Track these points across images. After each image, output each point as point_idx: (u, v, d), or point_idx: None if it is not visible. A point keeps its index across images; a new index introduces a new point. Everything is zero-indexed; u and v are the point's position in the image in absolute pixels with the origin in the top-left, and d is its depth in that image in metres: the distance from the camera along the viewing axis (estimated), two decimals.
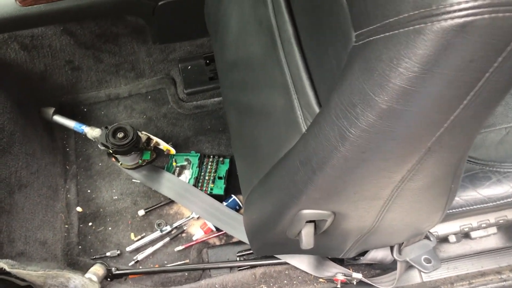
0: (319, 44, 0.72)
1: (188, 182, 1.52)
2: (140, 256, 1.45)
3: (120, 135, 1.42)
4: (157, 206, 1.54)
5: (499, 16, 0.42)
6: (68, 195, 1.56)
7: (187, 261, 1.45)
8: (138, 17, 1.54)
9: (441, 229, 1.16)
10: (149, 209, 1.53)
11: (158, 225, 1.50)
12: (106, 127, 1.44)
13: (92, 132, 1.53)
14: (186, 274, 1.41)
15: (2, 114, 1.41)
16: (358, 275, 1.22)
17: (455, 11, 0.42)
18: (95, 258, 1.45)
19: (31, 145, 1.50)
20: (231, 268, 1.39)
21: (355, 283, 1.24)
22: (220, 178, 1.55)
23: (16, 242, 1.32)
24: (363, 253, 1.15)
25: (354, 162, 0.62)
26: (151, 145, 1.53)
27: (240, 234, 1.41)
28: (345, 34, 0.60)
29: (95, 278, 1.28)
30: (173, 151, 1.55)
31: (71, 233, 1.49)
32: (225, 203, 1.49)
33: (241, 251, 1.41)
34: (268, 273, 1.31)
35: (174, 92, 1.72)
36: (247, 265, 1.35)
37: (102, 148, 1.47)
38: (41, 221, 1.43)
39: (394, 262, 1.16)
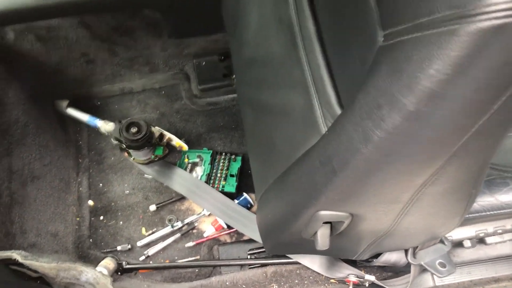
0: (342, 42, 0.71)
1: (200, 179, 1.52)
2: (150, 251, 1.45)
3: (134, 130, 1.42)
4: (169, 201, 1.53)
5: None
6: (80, 188, 1.56)
7: (198, 257, 1.44)
8: (155, 10, 1.53)
9: (456, 233, 1.14)
10: (161, 204, 1.52)
11: (169, 220, 1.50)
12: (120, 122, 1.44)
13: (106, 126, 1.53)
14: (197, 270, 1.41)
15: (17, 106, 1.41)
16: (370, 277, 1.21)
17: (492, 11, 0.41)
18: (105, 251, 1.45)
19: (44, 137, 1.50)
20: (241, 266, 1.38)
21: (367, 285, 1.23)
22: (232, 175, 1.54)
23: (28, 233, 1.33)
24: (377, 255, 1.14)
25: (377, 164, 0.61)
26: (164, 140, 1.52)
27: (251, 232, 1.40)
28: (371, 33, 0.59)
29: (105, 272, 1.27)
30: (185, 147, 1.55)
31: (82, 226, 1.49)
32: (236, 201, 1.48)
33: (252, 249, 1.40)
34: (279, 272, 1.30)
35: (188, 88, 1.72)
36: (258, 264, 1.35)
37: (115, 142, 1.47)
38: (52, 213, 1.43)
39: (407, 265, 1.15)
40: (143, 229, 1.49)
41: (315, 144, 0.74)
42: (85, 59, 1.64)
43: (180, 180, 1.52)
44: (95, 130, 1.63)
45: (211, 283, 1.31)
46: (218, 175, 1.53)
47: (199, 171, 1.55)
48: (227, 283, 1.30)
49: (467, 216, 1.02)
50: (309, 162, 0.74)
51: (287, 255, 1.30)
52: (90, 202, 1.54)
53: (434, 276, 1.23)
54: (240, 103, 1.21)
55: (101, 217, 1.52)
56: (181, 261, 1.43)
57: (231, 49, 1.26)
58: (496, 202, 1.03)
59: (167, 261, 1.44)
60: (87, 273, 1.08)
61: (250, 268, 1.36)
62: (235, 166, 1.55)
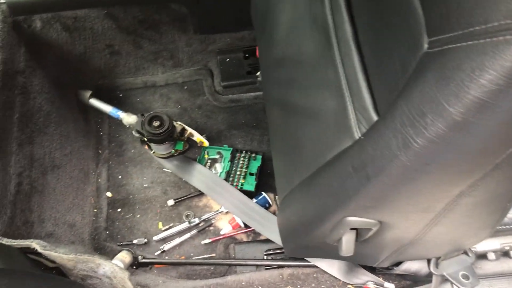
0: (380, 46, 0.70)
1: (219, 176, 1.51)
2: (166, 246, 1.44)
3: (156, 123, 1.41)
4: (187, 197, 1.53)
5: None
6: (99, 180, 1.56)
7: (214, 255, 1.43)
8: (182, 5, 1.53)
9: (480, 245, 1.12)
10: (179, 199, 1.52)
11: (187, 216, 1.49)
12: (142, 115, 1.44)
13: (128, 119, 1.53)
14: (212, 268, 1.40)
15: (40, 94, 1.41)
16: (390, 286, 1.19)
17: None
18: (121, 244, 1.45)
19: (66, 126, 1.50)
20: (257, 266, 1.37)
21: None
22: (251, 174, 1.53)
23: (46, 222, 1.33)
24: (397, 263, 1.12)
25: (414, 172, 0.59)
26: (185, 135, 1.52)
27: (268, 232, 1.39)
28: (414, 38, 0.58)
29: (121, 265, 1.27)
30: (206, 143, 1.54)
31: (99, 218, 1.49)
32: (255, 200, 1.47)
33: (269, 250, 1.39)
34: (295, 274, 1.29)
35: (211, 84, 1.71)
36: (275, 265, 1.33)
37: (136, 135, 1.47)
38: (71, 203, 1.43)
39: (428, 275, 1.13)
40: (160, 224, 1.49)
41: (348, 148, 0.72)
42: (110, 50, 1.64)
43: (199, 176, 1.51)
44: (116, 122, 1.63)
45: (226, 282, 1.29)
46: (238, 173, 1.52)
47: (219, 168, 1.54)
48: (243, 283, 1.29)
49: None
50: (341, 167, 0.72)
51: (305, 258, 1.28)
52: (109, 194, 1.53)
53: (455, 287, 1.21)
54: (266, 102, 1.19)
55: (119, 210, 1.51)
56: (196, 258, 1.42)
57: (259, 47, 1.24)
58: None
59: (183, 257, 1.43)
60: (104, 266, 1.07)
61: (266, 269, 1.34)
62: (255, 165, 1.54)
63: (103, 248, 1.44)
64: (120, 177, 1.57)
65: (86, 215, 1.47)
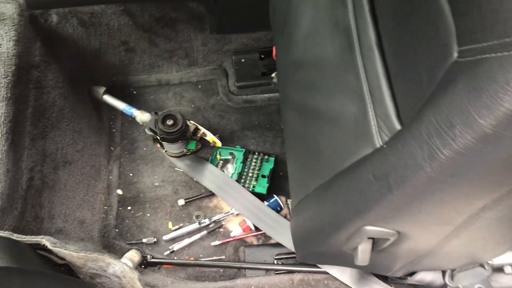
0: (405, 53, 0.68)
1: (231, 177, 1.49)
2: (176, 247, 1.43)
3: (170, 122, 1.40)
4: (198, 197, 1.51)
5: None
6: (110, 177, 1.55)
7: (223, 257, 1.42)
8: (200, 3, 1.52)
9: (497, 258, 1.10)
10: (189, 199, 1.50)
11: (197, 217, 1.48)
12: (156, 113, 1.43)
13: (142, 116, 1.52)
14: (221, 270, 1.39)
15: (54, 89, 1.41)
16: None
17: None
18: (131, 243, 1.44)
19: (79, 122, 1.49)
20: (267, 270, 1.35)
21: None
22: (263, 176, 1.51)
23: (56, 218, 1.32)
24: (411, 273, 1.10)
25: (439, 184, 0.57)
26: (198, 135, 1.51)
27: (279, 236, 1.37)
28: (443, 46, 0.56)
29: (130, 264, 1.26)
30: (219, 143, 1.52)
31: (109, 215, 1.48)
32: (266, 203, 1.45)
33: (280, 254, 1.37)
34: (306, 280, 1.27)
35: (225, 84, 1.70)
36: (285, 270, 1.32)
37: (149, 133, 1.46)
38: (81, 200, 1.42)
39: (442, 286, 1.11)
40: (170, 223, 1.47)
41: (369, 156, 0.70)
42: (125, 47, 1.63)
43: (210, 176, 1.50)
44: (129, 119, 1.62)
45: (236, 285, 1.28)
46: (250, 174, 1.51)
47: (231, 168, 1.53)
48: (252, 287, 1.28)
49: None
50: (361, 175, 0.70)
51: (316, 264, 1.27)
52: (119, 192, 1.53)
53: None
54: (283, 104, 1.18)
55: (129, 208, 1.50)
56: (206, 260, 1.41)
57: (277, 48, 1.23)
58: None
59: (192, 258, 1.42)
60: (114, 265, 1.06)
61: (276, 273, 1.33)
62: (267, 167, 1.53)
63: (112, 246, 1.43)
64: (131, 174, 1.56)
65: (96, 212, 1.46)
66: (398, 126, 0.68)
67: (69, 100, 1.47)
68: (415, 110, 0.62)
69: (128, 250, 1.35)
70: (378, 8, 0.77)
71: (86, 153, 1.49)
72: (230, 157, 1.55)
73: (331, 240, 0.86)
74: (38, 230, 1.26)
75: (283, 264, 1.35)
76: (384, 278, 1.23)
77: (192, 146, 1.51)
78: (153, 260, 1.36)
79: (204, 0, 1.48)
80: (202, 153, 1.57)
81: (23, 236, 1.03)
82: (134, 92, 1.69)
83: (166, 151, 1.51)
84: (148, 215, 1.49)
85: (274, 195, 1.48)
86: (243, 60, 1.70)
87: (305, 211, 0.93)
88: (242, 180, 1.50)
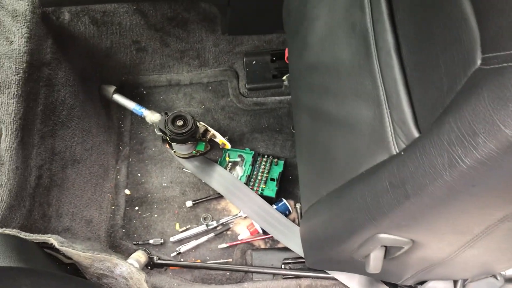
0: (426, 59, 0.66)
1: (240, 180, 1.48)
2: (182, 248, 1.42)
3: (179, 123, 1.39)
4: (205, 199, 1.50)
5: None
6: (118, 176, 1.54)
7: (230, 260, 1.41)
8: (212, 4, 1.51)
9: (510, 270, 1.08)
10: (197, 201, 1.49)
11: (204, 219, 1.47)
12: (166, 113, 1.42)
13: (151, 117, 1.51)
14: (228, 273, 1.38)
15: (65, 87, 1.40)
16: None
17: None
18: (137, 243, 1.43)
19: (88, 121, 1.48)
20: (274, 274, 1.34)
21: None
22: (272, 179, 1.50)
23: (64, 217, 1.31)
24: (421, 281, 1.09)
25: (458, 194, 0.56)
26: (207, 136, 1.50)
27: (288, 241, 1.36)
28: (466, 53, 0.55)
29: (136, 265, 1.25)
30: (228, 145, 1.52)
31: (116, 215, 1.47)
32: (275, 206, 1.44)
33: (287, 259, 1.36)
34: (314, 286, 1.26)
35: (236, 85, 1.69)
36: (292, 275, 1.30)
37: (159, 133, 1.45)
38: (89, 199, 1.42)
39: None
40: (177, 225, 1.47)
41: (385, 163, 0.69)
42: (136, 46, 1.62)
43: (219, 179, 1.49)
44: (138, 119, 1.62)
45: None
46: (259, 177, 1.50)
47: (239, 171, 1.52)
48: None
49: None
50: (376, 181, 0.69)
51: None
52: (127, 191, 1.52)
53: None
54: (295, 107, 1.17)
55: (136, 208, 1.49)
56: (212, 262, 1.40)
57: (290, 51, 1.22)
58: None
59: (198, 260, 1.41)
60: (121, 266, 1.05)
61: (283, 278, 1.31)
62: (277, 170, 1.52)
63: (118, 246, 1.42)
64: (139, 175, 1.55)
65: (103, 211, 1.45)
66: (415, 133, 0.67)
67: (79, 98, 1.46)
68: (434, 117, 0.61)
69: (135, 250, 1.34)
70: (397, 13, 0.76)
71: (95, 152, 1.49)
72: (239, 159, 1.54)
73: (342, 246, 0.85)
74: (46, 228, 1.25)
75: (290, 268, 1.34)
76: (394, 286, 1.21)
77: (201, 147, 1.50)
78: (159, 261, 1.35)
79: (217, 1, 1.47)
80: (211, 155, 1.56)
81: (31, 235, 1.02)
82: (144, 92, 1.68)
83: (175, 151, 1.51)
84: (156, 215, 1.48)
85: (283, 199, 1.47)
86: (254, 62, 1.69)
87: (317, 217, 0.92)
88: (251, 183, 1.48)
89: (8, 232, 1.00)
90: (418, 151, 0.59)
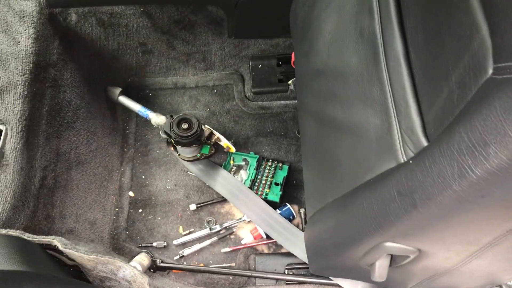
0: (435, 67, 0.66)
1: (244, 184, 1.48)
2: (186, 252, 1.41)
3: (185, 126, 1.39)
4: (209, 202, 1.50)
5: None
6: (122, 178, 1.54)
7: (233, 264, 1.40)
8: (220, 8, 1.50)
9: None
10: (201, 204, 1.49)
11: (208, 222, 1.47)
12: (172, 116, 1.42)
13: (157, 119, 1.51)
14: (231, 278, 1.37)
15: (70, 88, 1.40)
16: None
17: None
18: (140, 246, 1.43)
19: (93, 122, 1.48)
20: (277, 280, 1.33)
21: None
22: (276, 184, 1.50)
23: (67, 218, 1.31)
24: None
25: (467, 204, 0.55)
26: (212, 140, 1.49)
27: (291, 246, 1.35)
28: (477, 62, 0.54)
29: (139, 268, 1.25)
30: (233, 149, 1.51)
31: (120, 217, 1.47)
32: (278, 211, 1.44)
33: (290, 264, 1.35)
34: None
35: (241, 89, 1.68)
36: (296, 281, 1.29)
37: (164, 136, 1.45)
38: (93, 201, 1.41)
39: None
40: (181, 228, 1.46)
41: (393, 171, 0.68)
42: (142, 49, 1.62)
43: (223, 182, 1.48)
44: (143, 121, 1.61)
45: None
46: (263, 182, 1.49)
47: (244, 175, 1.51)
48: None
49: None
50: (383, 190, 0.69)
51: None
52: (131, 194, 1.51)
53: None
54: (301, 113, 1.16)
55: (140, 210, 1.49)
56: (215, 266, 1.39)
57: (296, 55, 1.21)
58: None
59: (201, 264, 1.40)
60: (125, 269, 1.05)
61: (286, 283, 1.31)
62: (281, 175, 1.51)
63: (121, 248, 1.42)
64: (143, 177, 1.55)
65: (107, 213, 1.45)
66: (424, 142, 0.66)
67: (84, 99, 1.46)
68: (443, 126, 0.60)
69: (138, 253, 1.34)
70: (406, 20, 0.75)
71: (100, 153, 1.48)
72: (243, 163, 1.54)
73: (348, 254, 0.84)
74: (49, 229, 1.25)
75: (293, 274, 1.33)
76: None
77: (206, 150, 1.50)
78: (162, 264, 1.34)
79: (224, 5, 1.47)
80: (215, 158, 1.56)
81: (35, 236, 1.02)
82: (150, 94, 1.68)
83: (179, 154, 1.50)
84: (159, 218, 1.48)
85: (287, 204, 1.46)
86: (260, 66, 1.69)
87: (322, 223, 0.92)
88: (255, 187, 1.48)
89: (12, 233, 1.00)
90: (427, 160, 0.59)
